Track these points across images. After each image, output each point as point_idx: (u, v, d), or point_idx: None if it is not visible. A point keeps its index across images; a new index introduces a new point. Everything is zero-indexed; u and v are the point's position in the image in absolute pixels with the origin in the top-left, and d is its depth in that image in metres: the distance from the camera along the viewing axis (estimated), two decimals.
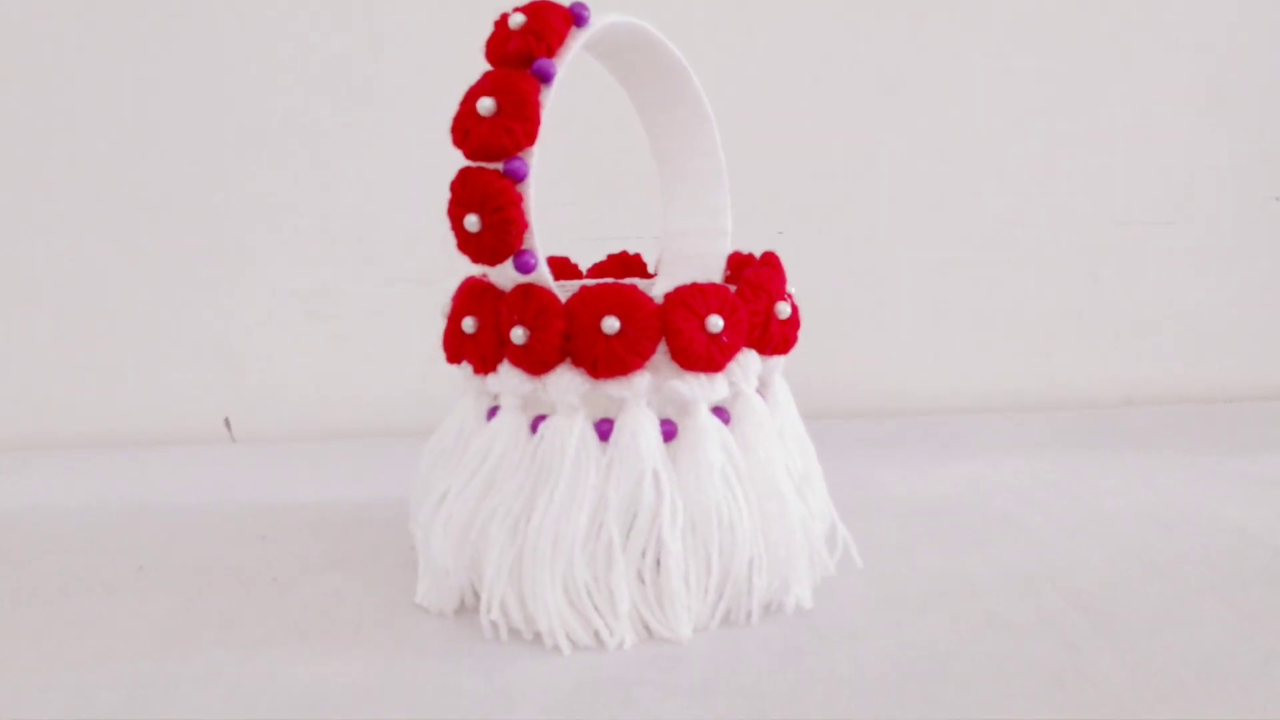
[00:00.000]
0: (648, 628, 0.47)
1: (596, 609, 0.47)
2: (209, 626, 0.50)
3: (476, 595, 0.50)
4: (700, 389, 0.47)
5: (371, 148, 0.84)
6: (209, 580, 0.55)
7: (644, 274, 0.61)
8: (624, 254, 0.62)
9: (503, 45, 0.47)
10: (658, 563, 0.47)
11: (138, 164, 0.84)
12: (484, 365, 0.49)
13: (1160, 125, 0.90)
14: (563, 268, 0.60)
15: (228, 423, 0.87)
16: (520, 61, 0.46)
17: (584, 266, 0.62)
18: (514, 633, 0.47)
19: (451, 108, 0.47)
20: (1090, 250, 0.92)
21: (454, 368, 0.52)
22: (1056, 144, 0.90)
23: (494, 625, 0.47)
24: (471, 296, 0.49)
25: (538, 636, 0.47)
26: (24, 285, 0.85)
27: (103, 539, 0.62)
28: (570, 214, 0.84)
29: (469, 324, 0.49)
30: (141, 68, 0.82)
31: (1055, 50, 0.88)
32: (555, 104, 0.46)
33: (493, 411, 0.50)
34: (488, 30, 0.47)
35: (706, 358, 0.47)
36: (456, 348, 0.51)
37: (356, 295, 0.86)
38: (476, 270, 0.49)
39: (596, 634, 0.46)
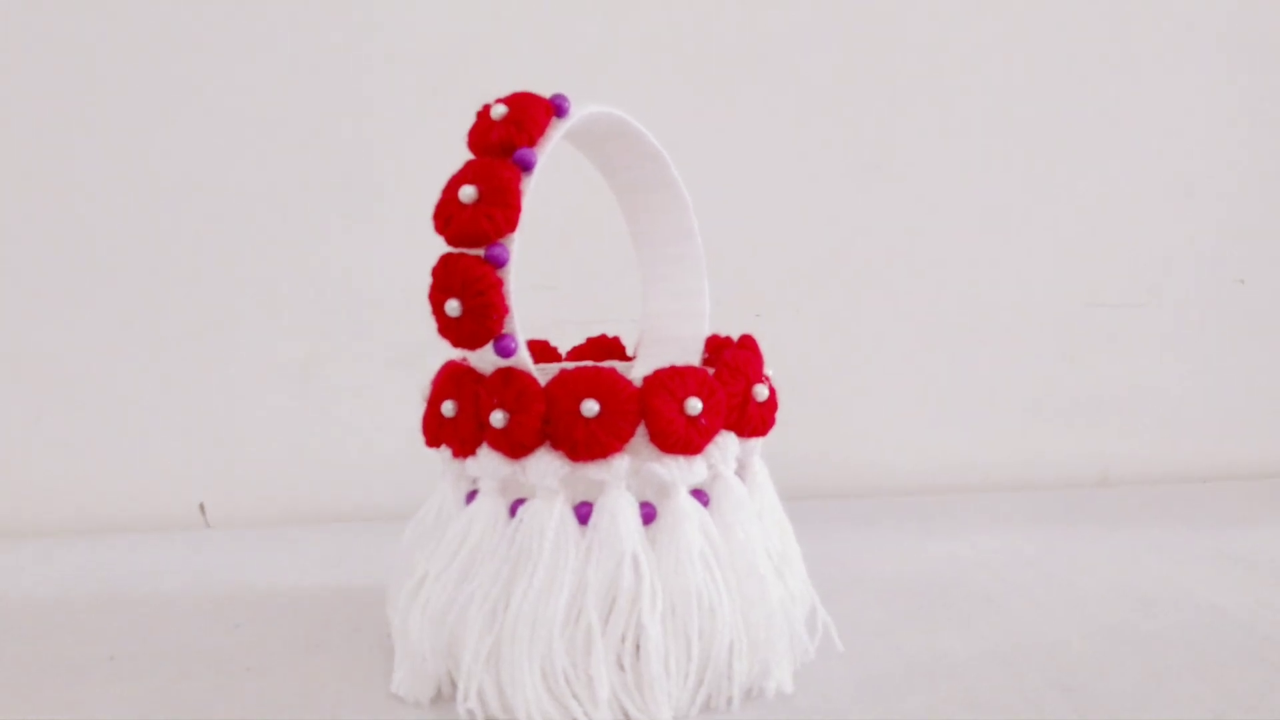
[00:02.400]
0: (627, 715, 0.46)
1: (575, 696, 0.46)
2: (181, 716, 0.48)
3: (454, 683, 0.49)
4: (679, 471, 0.47)
5: (354, 227, 0.85)
6: (181, 668, 0.54)
7: (623, 356, 0.62)
8: (603, 337, 0.63)
9: (485, 135, 0.48)
10: (637, 648, 0.46)
11: (112, 235, 0.83)
12: (463, 449, 0.49)
13: (1130, 210, 0.93)
14: (542, 351, 0.61)
15: (202, 508, 0.86)
16: (502, 151, 0.47)
17: (563, 349, 0.62)
18: None
19: (438, 189, 0.47)
20: (1064, 331, 0.94)
21: (433, 451, 0.52)
22: (1029, 227, 0.92)
23: (471, 714, 0.46)
24: (451, 380, 0.50)
25: None
26: None
27: (73, 627, 0.60)
28: (550, 297, 0.84)
29: (448, 408, 0.49)
30: (121, 135, 0.83)
31: (1028, 135, 0.91)
32: (535, 191, 0.47)
33: (472, 495, 0.49)
34: (473, 118, 0.49)
35: (685, 440, 0.47)
36: (436, 431, 0.51)
37: (336, 375, 0.86)
38: (457, 354, 0.50)
39: None
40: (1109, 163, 0.92)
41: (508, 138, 0.47)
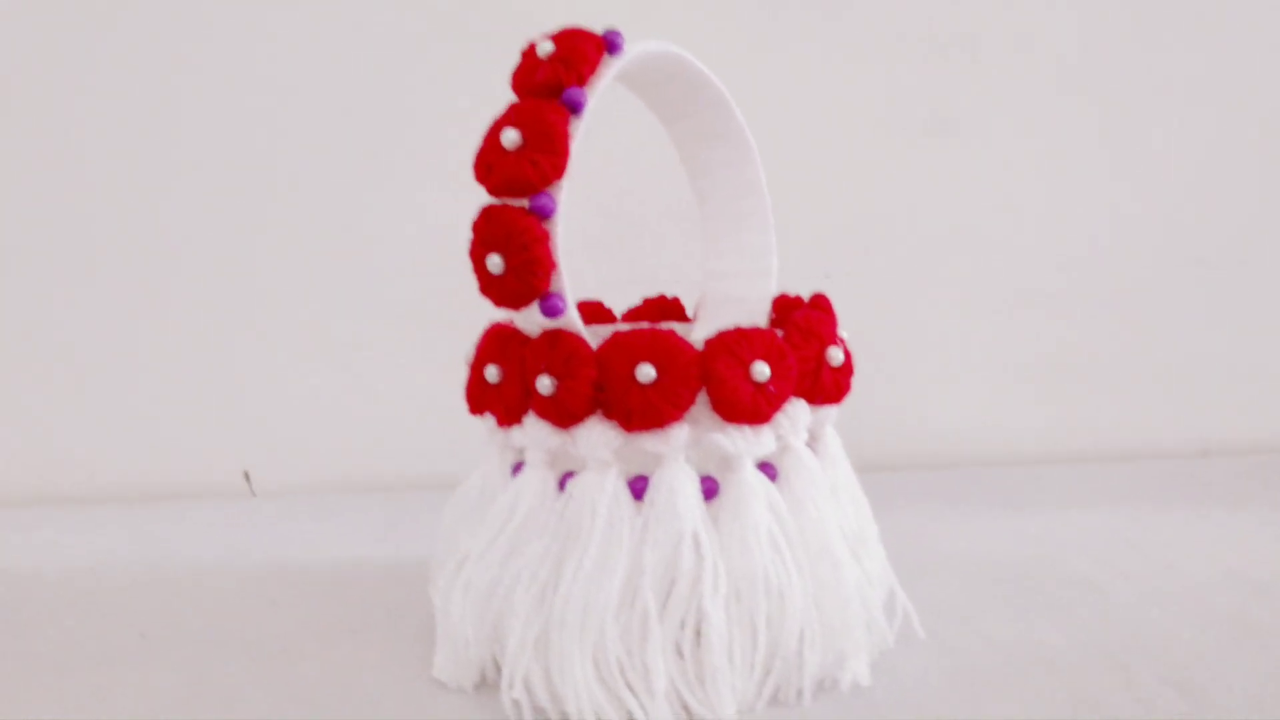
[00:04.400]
0: (687, 708, 0.42)
1: (630, 687, 0.42)
2: (211, 702, 0.46)
3: (499, 669, 0.46)
4: (744, 443, 0.43)
5: (399, 187, 0.82)
6: (215, 650, 0.51)
7: (683, 318, 0.58)
8: (661, 298, 0.58)
9: (530, 75, 0.44)
10: (698, 635, 0.42)
11: (155, 205, 0.82)
12: (508, 417, 0.45)
13: (1231, 162, 0.86)
14: (595, 312, 0.57)
15: (247, 476, 0.84)
16: (548, 91, 0.43)
17: (618, 311, 0.58)
18: (538, 712, 0.43)
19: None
20: (1162, 291, 0.87)
21: (477, 419, 0.48)
22: (1131, 177, 0.86)
23: (516, 704, 0.43)
24: (496, 343, 0.46)
25: (565, 717, 0.42)
26: (33, 330, 0.83)
27: (107, 603, 0.58)
28: (604, 256, 0.80)
29: (492, 373, 0.45)
30: (155, 101, 0.81)
31: (1116, 82, 0.84)
32: (587, 137, 0.43)
33: (518, 467, 0.46)
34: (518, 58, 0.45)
35: (751, 408, 0.43)
36: (480, 398, 0.47)
37: (384, 341, 0.83)
38: (503, 315, 0.46)
39: (630, 715, 0.42)
40: (1203, 109, 0.85)
41: (555, 77, 0.43)
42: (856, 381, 0.48)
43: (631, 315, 0.58)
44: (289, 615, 0.55)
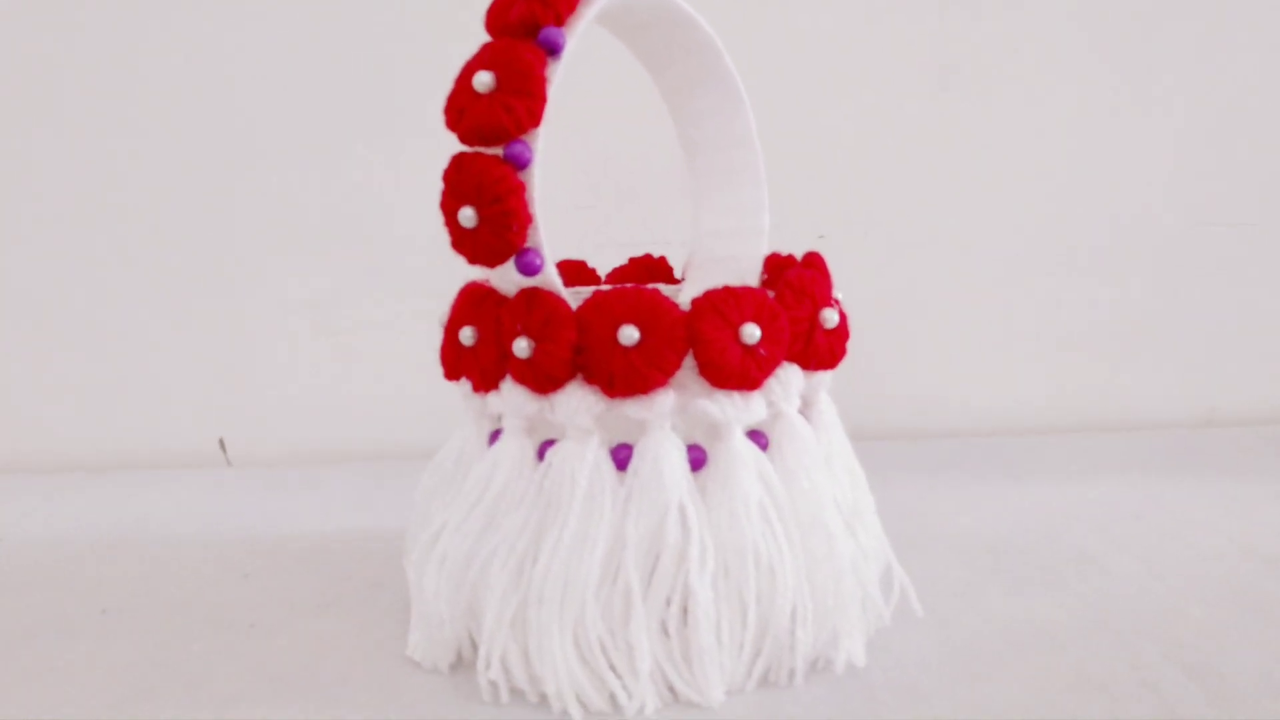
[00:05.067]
0: (673, 689, 0.40)
1: (613, 667, 0.40)
2: (174, 679, 0.44)
3: (475, 647, 0.43)
4: (733, 409, 0.40)
5: (378, 147, 0.79)
6: (181, 624, 0.49)
7: (670, 279, 0.55)
8: (647, 257, 0.56)
9: (504, 13, 0.40)
10: (684, 613, 0.40)
11: (128, 168, 0.79)
12: (484, 382, 0.43)
13: (1240, 118, 0.82)
14: (578, 272, 0.54)
15: (222, 444, 0.81)
16: (524, 31, 0.40)
17: (603, 272, 0.55)
18: (516, 693, 0.41)
19: None
20: (1167, 255, 0.84)
21: (453, 385, 0.46)
22: (1130, 137, 0.82)
23: (493, 685, 0.41)
24: (471, 304, 0.43)
25: (544, 699, 0.40)
26: (2, 298, 0.80)
27: (72, 575, 0.56)
28: (588, 216, 0.77)
29: (467, 335, 0.43)
30: (136, 70, 0.78)
31: (1124, 33, 0.81)
32: (567, 85, 0.40)
33: (495, 435, 0.43)
34: None
35: (741, 373, 0.40)
36: (455, 362, 0.45)
37: (362, 306, 0.81)
38: (479, 274, 0.43)
39: (612, 697, 0.40)
40: (1214, 62, 0.82)
41: (530, 15, 0.40)
42: (852, 345, 0.46)
43: (616, 276, 0.55)
44: (261, 588, 0.53)
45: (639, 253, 0.56)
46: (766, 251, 0.50)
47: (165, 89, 0.78)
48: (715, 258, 0.51)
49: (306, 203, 0.80)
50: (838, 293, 0.46)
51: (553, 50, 0.40)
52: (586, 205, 0.78)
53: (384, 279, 0.80)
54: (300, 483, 0.74)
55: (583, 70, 0.42)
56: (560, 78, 0.40)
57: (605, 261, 0.56)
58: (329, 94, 0.78)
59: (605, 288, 0.53)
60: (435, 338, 0.47)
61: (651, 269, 0.55)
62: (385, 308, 0.81)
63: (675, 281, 0.54)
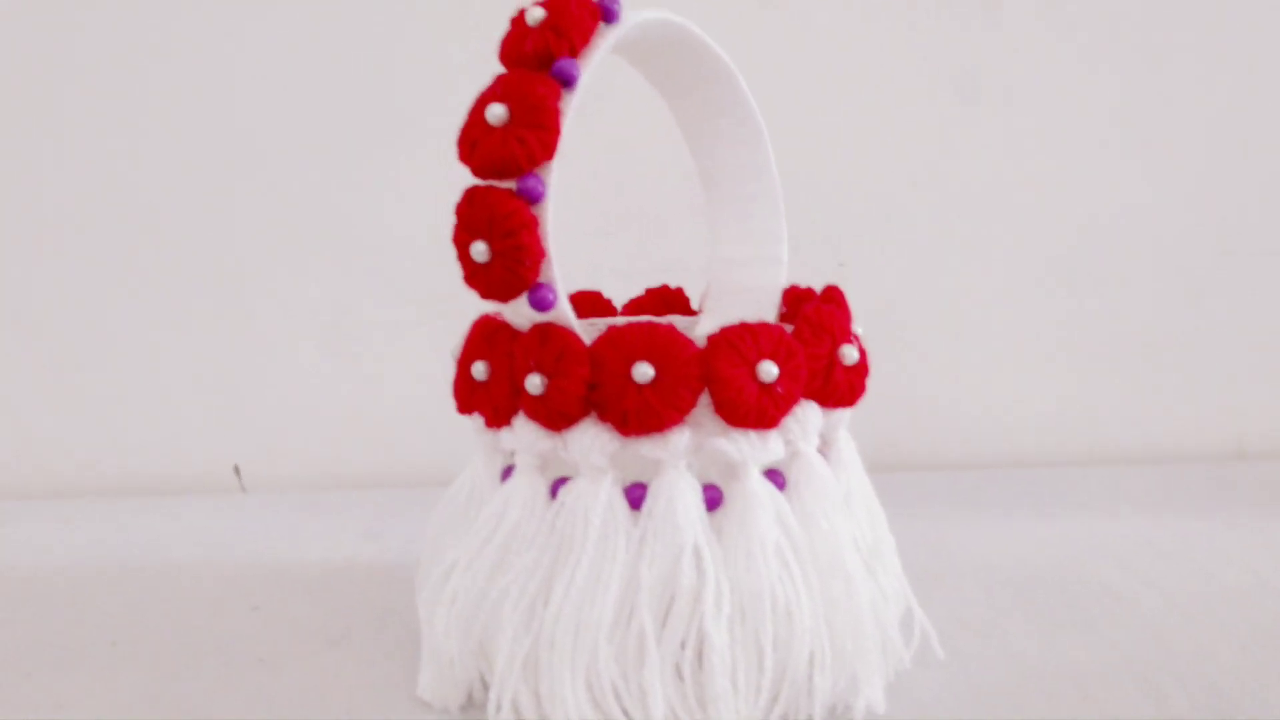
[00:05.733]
0: None
1: (626, 712, 0.39)
2: (178, 715, 0.43)
3: (486, 688, 0.42)
4: (750, 449, 0.40)
5: (394, 166, 0.79)
6: (187, 658, 0.48)
7: (687, 310, 0.54)
8: (664, 288, 0.55)
9: (518, 44, 0.40)
10: (699, 657, 0.39)
11: (137, 183, 0.78)
12: (497, 418, 0.42)
13: (1274, 140, 0.81)
14: (593, 303, 0.53)
15: (237, 470, 0.81)
16: (538, 62, 0.39)
17: (619, 302, 0.55)
18: None
19: None
20: (1196, 281, 0.83)
21: (465, 418, 0.45)
22: (1156, 161, 0.81)
23: None
24: (483, 337, 0.43)
25: None
26: (12, 318, 0.80)
27: (79, 604, 0.56)
28: (602, 245, 0.77)
29: (480, 370, 0.42)
30: (143, 78, 0.78)
31: (1153, 48, 0.79)
32: (581, 113, 0.39)
33: (508, 471, 0.42)
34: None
35: (758, 411, 0.39)
36: (467, 396, 0.44)
37: (381, 330, 0.80)
38: (492, 306, 0.42)
39: None
40: (1248, 79, 0.80)
41: (544, 47, 0.39)
42: (871, 376, 0.45)
43: (632, 307, 0.55)
44: (270, 621, 0.52)
45: (656, 280, 0.56)
46: (785, 283, 0.49)
47: (180, 106, 0.78)
48: (733, 289, 0.50)
49: (322, 226, 0.79)
50: (857, 328, 0.45)
51: (567, 82, 0.39)
52: (603, 231, 0.77)
53: (402, 303, 0.80)
54: (313, 509, 0.73)
55: (600, 96, 0.41)
56: (575, 109, 0.39)
57: (621, 288, 0.56)
58: (342, 115, 0.78)
59: (621, 319, 0.53)
60: (449, 366, 0.46)
61: (668, 300, 0.54)
62: (400, 331, 0.80)
63: (692, 313, 0.54)
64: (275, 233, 0.79)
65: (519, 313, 0.40)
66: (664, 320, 0.52)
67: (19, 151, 0.78)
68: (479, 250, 0.38)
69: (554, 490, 0.41)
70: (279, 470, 0.81)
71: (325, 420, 0.81)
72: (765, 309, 0.48)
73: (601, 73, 0.40)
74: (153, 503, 0.76)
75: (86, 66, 0.77)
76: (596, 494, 0.39)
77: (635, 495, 0.40)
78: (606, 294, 0.54)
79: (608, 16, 0.40)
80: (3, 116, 0.78)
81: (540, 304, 0.39)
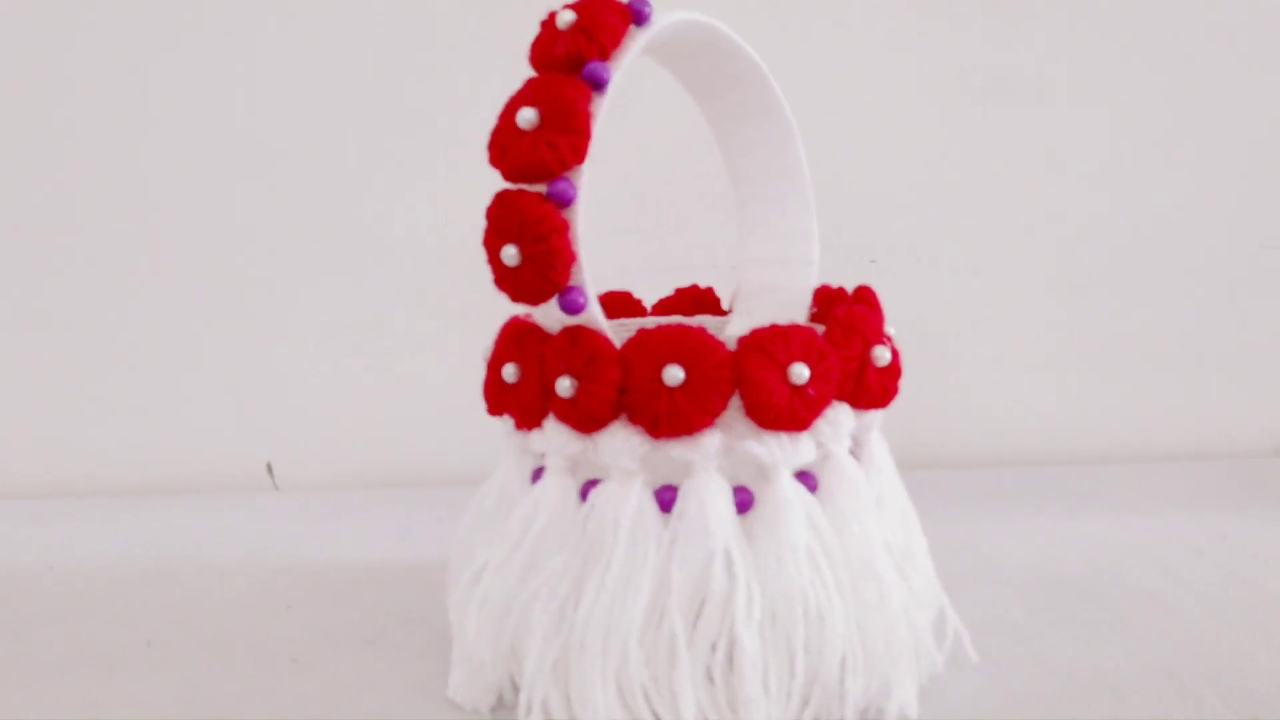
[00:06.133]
0: None
1: (656, 715, 0.39)
2: (212, 717, 0.43)
3: (517, 690, 0.43)
4: (781, 451, 0.39)
5: (422, 177, 0.79)
6: (221, 659, 0.49)
7: (718, 311, 0.54)
8: (694, 288, 0.55)
9: (549, 48, 0.40)
10: (730, 661, 0.39)
11: (174, 188, 0.79)
12: (527, 420, 0.42)
13: None
14: (623, 304, 0.53)
15: (270, 468, 0.82)
16: (568, 66, 0.39)
17: (649, 302, 0.55)
18: None
19: None
20: (1233, 277, 0.82)
21: (495, 420, 0.45)
22: (1194, 154, 0.80)
23: None
24: (514, 340, 0.43)
25: None
26: (48, 318, 0.81)
27: (115, 604, 0.56)
28: (632, 243, 0.77)
29: (510, 372, 0.42)
30: (172, 84, 0.78)
31: (1190, 45, 0.78)
32: (612, 116, 0.39)
33: (538, 473, 0.42)
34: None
35: (789, 414, 0.39)
36: (498, 399, 0.44)
37: (414, 329, 0.81)
38: (522, 309, 0.42)
39: None
40: (1263, 78, 0.79)
41: (575, 50, 0.39)
42: (904, 372, 0.44)
43: (662, 307, 0.55)
44: (302, 621, 0.53)
45: (686, 280, 0.56)
46: (816, 283, 0.49)
47: (214, 115, 0.78)
48: (763, 289, 0.50)
49: (355, 225, 0.80)
50: (889, 328, 0.44)
51: (598, 85, 0.39)
52: (634, 230, 0.77)
53: (431, 303, 0.80)
54: (346, 508, 0.74)
55: (631, 97, 0.41)
56: (605, 112, 0.39)
57: (652, 287, 0.56)
58: (375, 120, 0.78)
59: (651, 320, 0.53)
60: (482, 365, 0.46)
61: (699, 300, 0.54)
62: (432, 331, 0.80)
63: (723, 313, 0.54)
64: (312, 236, 0.80)
65: (549, 315, 0.40)
66: (694, 321, 0.52)
67: (55, 161, 0.79)
68: (509, 254, 0.38)
69: (584, 493, 0.41)
70: (312, 469, 0.82)
71: (358, 419, 0.82)
72: (796, 309, 0.48)
73: (633, 74, 0.40)
74: (186, 502, 0.77)
75: (100, 83, 0.78)
76: (627, 497, 0.39)
77: (666, 498, 0.39)
78: (636, 294, 0.54)
79: (638, 19, 0.40)
80: (20, 129, 0.78)
81: (571, 307, 0.39)
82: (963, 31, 0.78)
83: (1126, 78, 0.79)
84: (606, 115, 0.39)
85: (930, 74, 0.79)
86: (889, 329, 0.44)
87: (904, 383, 0.44)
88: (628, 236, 0.77)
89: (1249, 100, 0.79)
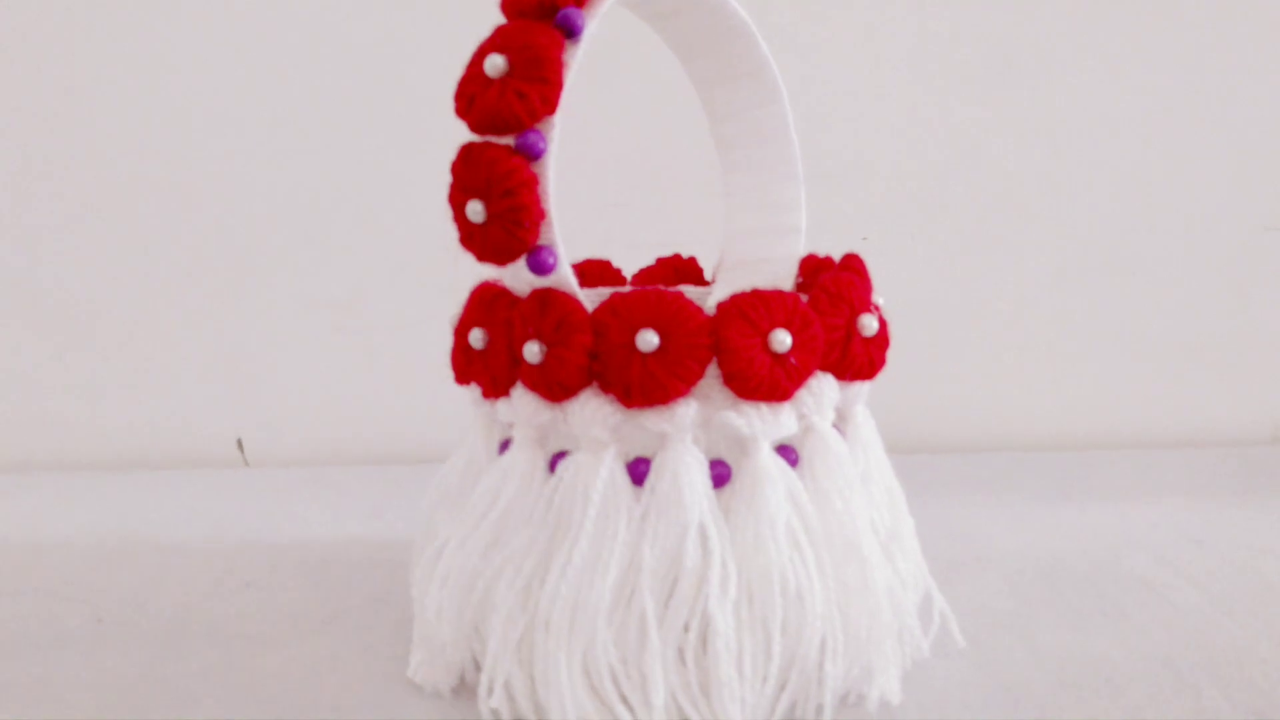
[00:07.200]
0: None
1: (624, 699, 0.37)
2: (164, 697, 0.41)
3: (479, 671, 0.40)
4: (761, 422, 0.37)
5: (400, 142, 0.77)
6: (177, 637, 0.47)
7: (700, 281, 0.52)
8: (676, 258, 0.53)
9: None
10: (703, 641, 0.37)
11: (142, 159, 0.77)
12: (494, 388, 0.40)
13: None
14: (602, 272, 0.51)
15: (240, 444, 0.80)
16: (540, 12, 0.37)
17: (629, 272, 0.52)
18: None
19: None
20: (1233, 260, 0.80)
21: (463, 390, 0.43)
22: (1195, 135, 0.78)
23: (495, 713, 0.38)
24: (481, 304, 0.41)
25: None
26: (16, 290, 0.79)
27: (70, 580, 0.54)
28: (614, 215, 0.75)
29: (477, 338, 0.40)
30: (149, 58, 0.76)
31: (1194, 22, 0.76)
32: (588, 72, 0.37)
33: (505, 445, 0.40)
34: None
35: (769, 383, 0.37)
36: (465, 366, 0.42)
37: (385, 305, 0.79)
38: (493, 273, 0.40)
39: None
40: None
41: None
42: (895, 352, 0.42)
43: (642, 276, 0.52)
44: (263, 599, 0.51)
45: (669, 253, 0.54)
46: (802, 252, 0.47)
47: (186, 85, 0.76)
48: (747, 259, 0.48)
49: (328, 200, 0.78)
50: (878, 298, 0.42)
51: (571, 33, 0.37)
52: (616, 203, 0.75)
53: (407, 278, 0.78)
54: (319, 485, 0.72)
55: (613, 57, 0.39)
56: (579, 63, 0.37)
57: (634, 261, 0.54)
58: (351, 88, 0.76)
59: (630, 289, 0.51)
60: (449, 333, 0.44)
61: (680, 270, 0.52)
62: (409, 306, 0.78)
63: (705, 284, 0.52)
64: (281, 209, 0.78)
65: (518, 277, 0.38)
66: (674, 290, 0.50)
67: (32, 135, 0.77)
68: (475, 210, 0.36)
69: (553, 464, 0.39)
70: (283, 445, 0.80)
71: (332, 394, 0.80)
72: (781, 279, 0.46)
73: (614, 31, 0.38)
74: (154, 476, 0.75)
75: (84, 52, 0.76)
76: (597, 469, 0.37)
77: (638, 470, 0.38)
78: (615, 264, 0.52)
79: None
80: (17, 97, 0.76)
81: (539, 267, 0.37)
82: (970, 8, 0.76)
83: (1128, 58, 0.77)
84: (580, 66, 0.37)
85: (933, 43, 0.77)
86: (878, 298, 0.42)
87: (895, 363, 0.42)
88: (611, 209, 0.75)
89: (1250, 82, 0.77)
